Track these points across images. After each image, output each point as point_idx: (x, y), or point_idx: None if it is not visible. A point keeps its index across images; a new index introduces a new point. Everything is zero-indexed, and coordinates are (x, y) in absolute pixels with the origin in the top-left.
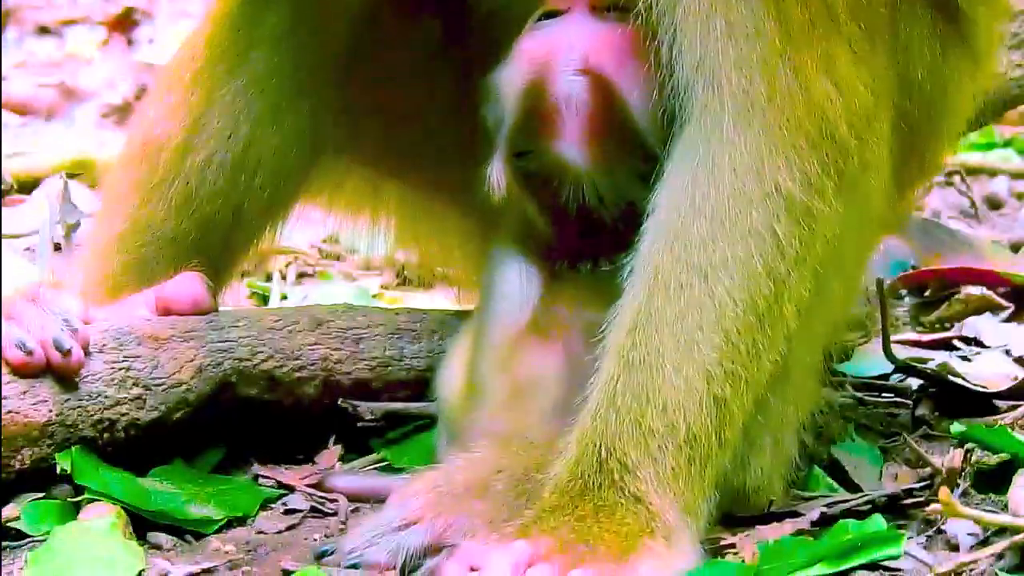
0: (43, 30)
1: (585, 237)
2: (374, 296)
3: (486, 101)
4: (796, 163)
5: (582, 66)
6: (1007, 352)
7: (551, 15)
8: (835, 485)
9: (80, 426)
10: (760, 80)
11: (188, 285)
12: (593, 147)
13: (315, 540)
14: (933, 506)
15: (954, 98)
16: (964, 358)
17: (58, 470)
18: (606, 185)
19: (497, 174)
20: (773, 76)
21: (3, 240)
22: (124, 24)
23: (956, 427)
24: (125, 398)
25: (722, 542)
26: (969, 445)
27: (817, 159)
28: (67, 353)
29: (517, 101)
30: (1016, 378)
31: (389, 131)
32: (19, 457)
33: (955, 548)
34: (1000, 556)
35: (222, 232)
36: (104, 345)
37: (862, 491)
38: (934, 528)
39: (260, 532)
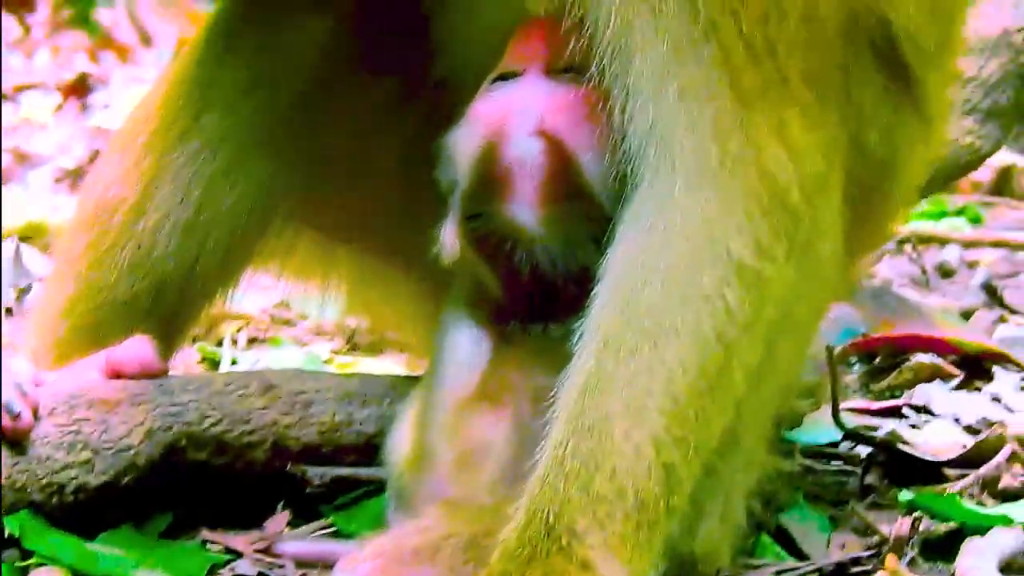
0: None
1: (538, 300)
2: (325, 361)
3: (439, 163)
4: (747, 228)
5: (536, 129)
6: (956, 420)
7: (505, 77)
8: (783, 553)
9: (29, 490)
10: (712, 144)
11: (138, 349)
12: (547, 210)
13: None
14: (881, 574)
15: (906, 163)
16: (913, 426)
17: (6, 534)
18: (559, 248)
19: (449, 236)
20: (725, 140)
21: None
22: (79, 90)
23: (905, 495)
24: (74, 462)
25: None
26: (917, 513)
27: (768, 224)
28: (16, 416)
29: (470, 163)
30: (965, 446)
31: (342, 195)
32: None
33: None
34: None
35: (173, 296)
36: (54, 408)
37: (810, 559)
38: None
39: None
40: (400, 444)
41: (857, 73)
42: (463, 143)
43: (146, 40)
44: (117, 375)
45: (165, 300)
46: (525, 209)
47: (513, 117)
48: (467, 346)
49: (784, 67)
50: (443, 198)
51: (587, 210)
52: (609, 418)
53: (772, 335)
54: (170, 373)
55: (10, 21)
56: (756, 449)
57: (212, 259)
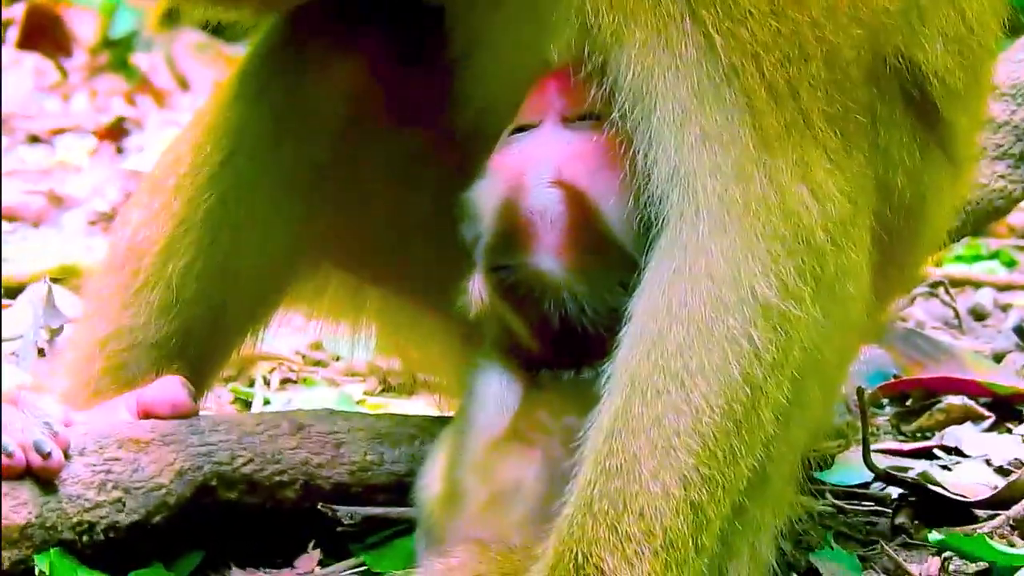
0: (34, 139)
1: (569, 346)
2: (358, 402)
3: (462, 218)
4: (772, 269)
5: (555, 178)
6: (987, 462)
7: (523, 129)
8: None
9: (60, 528)
10: (735, 187)
11: (168, 389)
12: (571, 258)
13: None
14: None
15: (934, 206)
16: (944, 467)
17: (37, 572)
18: (587, 295)
19: (477, 289)
20: (748, 183)
21: None
22: (114, 133)
23: (935, 536)
24: (105, 501)
25: None
26: (947, 554)
27: (794, 265)
28: (47, 456)
29: (493, 216)
30: (996, 487)
31: (371, 239)
32: None
33: None
34: None
35: (203, 337)
36: (85, 448)
37: None
38: None
39: None
40: (431, 484)
41: (884, 115)
42: (484, 197)
43: (183, 84)
44: (148, 415)
45: (195, 341)
46: (549, 259)
47: (532, 168)
48: (497, 388)
49: (807, 109)
50: (469, 251)
51: (612, 256)
52: (637, 458)
53: (800, 376)
54: (201, 413)
55: (47, 65)
56: (785, 489)
57: (242, 301)
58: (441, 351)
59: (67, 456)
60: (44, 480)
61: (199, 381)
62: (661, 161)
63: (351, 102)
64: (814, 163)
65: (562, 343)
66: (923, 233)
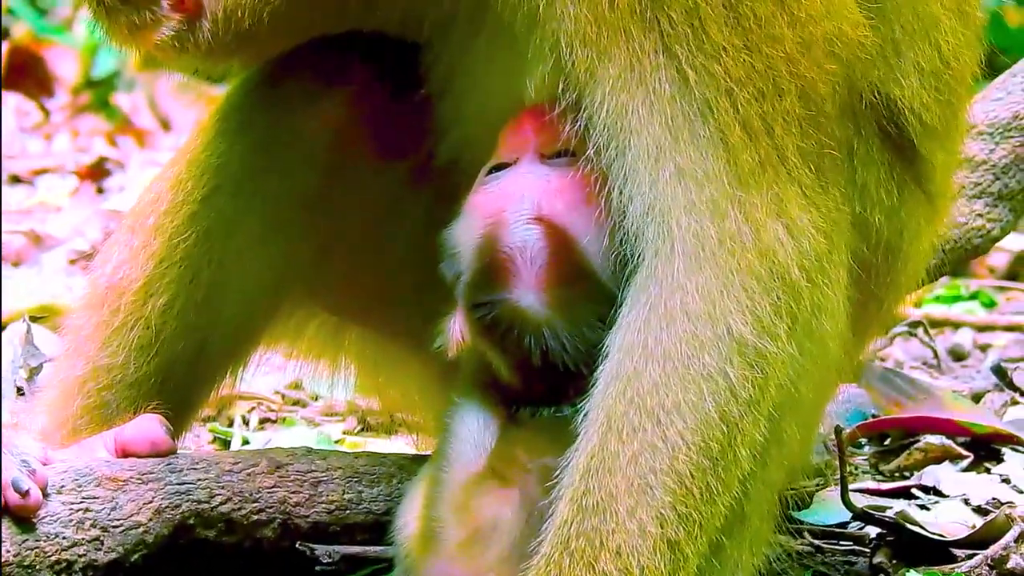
0: (15, 179)
1: (548, 383)
2: (336, 442)
3: (443, 257)
4: (748, 306)
5: (534, 215)
6: (965, 501)
7: (500, 167)
8: None
9: (37, 567)
10: (710, 223)
11: (147, 427)
12: (551, 294)
13: None
14: None
15: (912, 243)
16: (923, 507)
17: None
18: (567, 330)
19: (458, 327)
20: (723, 219)
21: None
22: (95, 173)
23: (913, 575)
24: (83, 539)
25: None
26: None
27: (769, 302)
28: (25, 494)
29: (473, 254)
30: (974, 527)
31: (351, 277)
32: None
33: None
34: None
35: (183, 375)
36: (63, 486)
37: None
38: None
39: None
40: (408, 523)
41: (862, 152)
42: (463, 235)
43: (165, 125)
44: (126, 454)
45: (174, 379)
46: (529, 295)
47: (510, 205)
48: (475, 426)
49: (781, 145)
50: (449, 290)
51: (591, 291)
52: (614, 496)
53: (777, 413)
54: (179, 452)
55: (29, 105)
56: (763, 527)
57: (222, 339)
58: (420, 390)
59: (45, 494)
60: (21, 518)
61: (178, 419)
62: (636, 197)
63: (334, 136)
64: (789, 199)
65: (542, 379)
66: (902, 270)
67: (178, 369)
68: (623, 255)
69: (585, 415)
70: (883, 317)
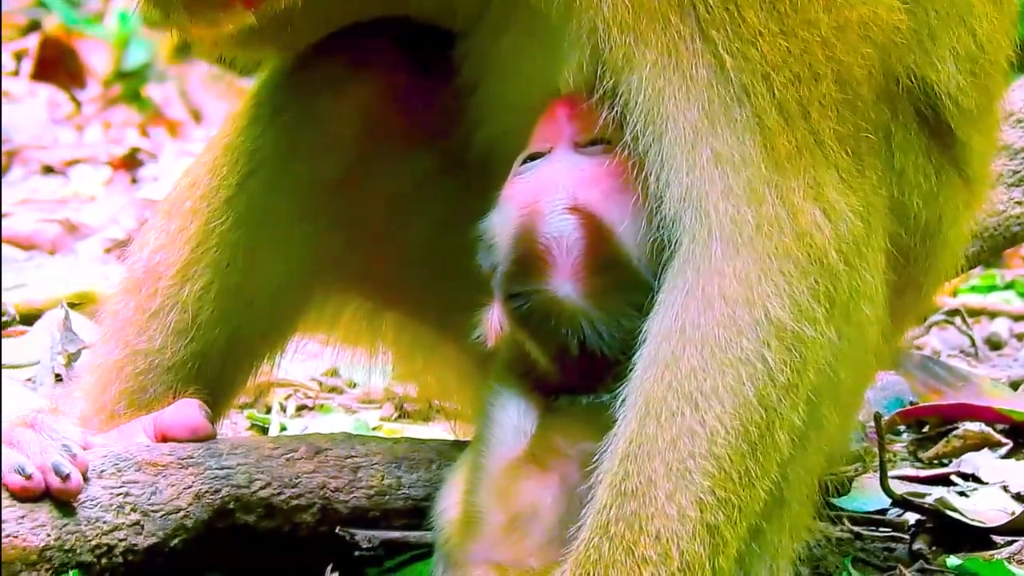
0: (48, 169)
1: (586, 371)
2: (373, 429)
3: (478, 248)
4: (786, 290)
5: (570, 204)
6: (1004, 488)
7: (535, 157)
8: None
9: (78, 551)
10: (747, 208)
11: (186, 412)
12: (588, 283)
13: None
14: None
15: (950, 228)
16: (962, 493)
17: None
18: (603, 319)
19: (495, 319)
20: (760, 204)
21: (5, 371)
22: (129, 163)
23: (953, 561)
24: (123, 524)
25: None
26: None
27: (807, 286)
28: (66, 478)
29: (509, 245)
30: (1013, 513)
31: (386, 261)
32: None
33: None
34: None
35: (220, 360)
36: (103, 471)
37: None
38: None
39: None
40: (448, 508)
41: (899, 137)
42: (499, 226)
43: (196, 116)
44: (165, 438)
45: (212, 364)
46: (566, 284)
47: (546, 195)
48: (514, 413)
49: (818, 129)
50: (485, 282)
51: (627, 279)
52: (652, 481)
53: (815, 397)
54: (218, 437)
55: (62, 97)
56: (802, 512)
57: (258, 323)
58: (457, 376)
59: (85, 479)
60: (62, 502)
61: (216, 405)
62: (673, 183)
63: (366, 121)
64: (826, 183)
65: (579, 368)
66: (940, 255)
67: (215, 354)
68: (660, 241)
69: (623, 400)
70: (922, 302)
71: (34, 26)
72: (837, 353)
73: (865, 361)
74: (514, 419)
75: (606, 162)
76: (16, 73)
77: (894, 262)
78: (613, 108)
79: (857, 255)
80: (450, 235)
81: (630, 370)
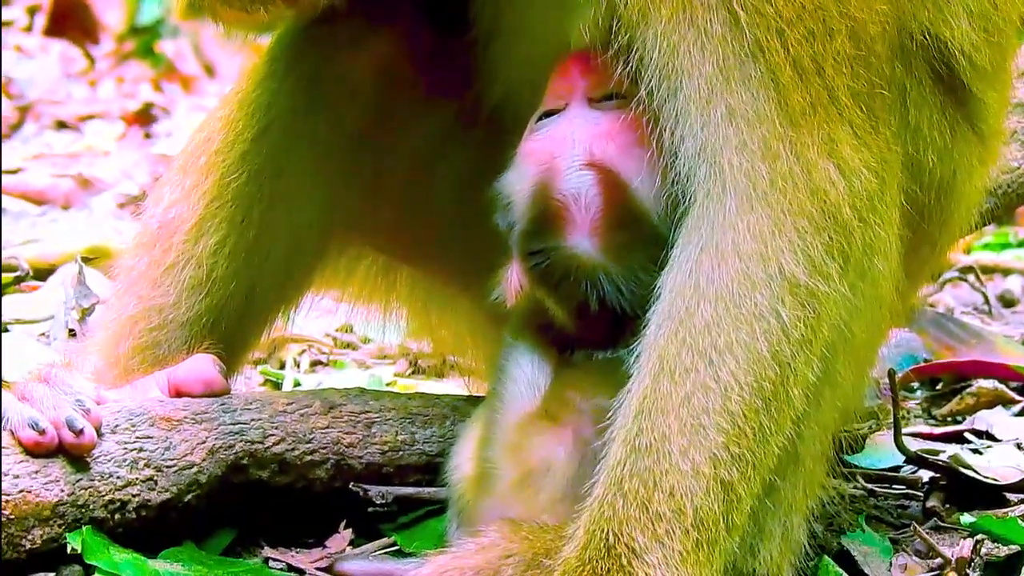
0: (61, 124)
1: (606, 326)
2: (387, 384)
3: (495, 208)
4: (800, 246)
5: (587, 160)
6: (1018, 445)
7: (550, 114)
8: (844, 575)
9: (91, 506)
10: (762, 164)
11: (200, 368)
12: (606, 239)
13: None
14: None
15: (965, 183)
16: (975, 451)
17: (68, 550)
18: (623, 274)
19: (515, 277)
20: (775, 160)
21: (19, 326)
22: (142, 119)
23: (967, 519)
24: (137, 479)
25: None
26: (979, 536)
27: (821, 242)
28: (79, 433)
29: (526, 202)
30: None
31: (401, 216)
32: (30, 537)
33: None
34: None
35: (234, 315)
36: (117, 426)
37: None
38: None
39: None
40: (462, 465)
41: (915, 94)
42: (516, 184)
43: (209, 71)
44: (179, 393)
45: (226, 319)
46: (584, 240)
47: (562, 152)
48: (529, 368)
49: (832, 86)
50: (503, 241)
51: (645, 234)
52: (667, 437)
53: (829, 353)
54: (232, 392)
55: (75, 52)
56: (816, 469)
57: (272, 279)
58: (471, 330)
59: (99, 434)
60: (76, 458)
61: (230, 360)
62: (687, 139)
63: (384, 75)
64: (840, 139)
65: (598, 323)
66: (955, 211)
67: (229, 309)
68: (674, 196)
69: (637, 356)
70: (937, 259)
71: None
72: (851, 309)
73: (879, 317)
74: (528, 374)
75: (621, 117)
76: (29, 28)
77: (909, 219)
78: (627, 63)
79: (871, 211)
80: (467, 191)
81: (644, 326)
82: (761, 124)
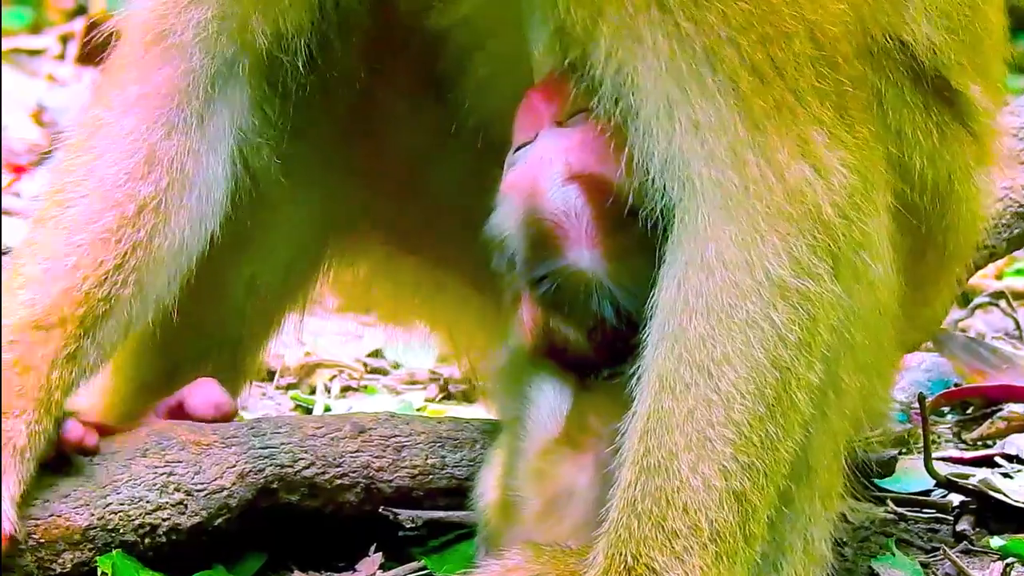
0: None
1: (624, 341)
2: (418, 410)
3: (492, 251)
4: (783, 248)
5: (567, 175)
6: None
7: (522, 147)
8: None
9: (121, 530)
10: (732, 172)
11: (207, 392)
12: (605, 246)
13: None
14: None
15: (962, 184)
16: (1006, 475)
17: (99, 574)
18: (629, 279)
19: (527, 314)
20: (744, 166)
21: None
22: None
23: (996, 542)
24: (167, 503)
25: None
26: (1010, 560)
27: (805, 243)
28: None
29: (519, 232)
30: None
31: (400, 207)
32: (60, 561)
33: None
34: None
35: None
36: (147, 450)
37: None
38: None
39: None
40: (488, 490)
41: (891, 96)
42: (505, 218)
43: None
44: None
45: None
46: (584, 252)
47: (542, 173)
48: (551, 394)
49: (796, 87)
50: (509, 282)
51: (641, 234)
52: (674, 454)
53: (831, 355)
54: (262, 415)
55: None
56: (832, 480)
57: (271, 277)
58: (478, 323)
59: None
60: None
61: (235, 374)
62: (655, 154)
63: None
64: (811, 140)
65: (617, 339)
66: (957, 213)
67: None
68: (654, 212)
69: (638, 378)
70: (949, 268)
71: (80, 10)
72: (848, 311)
73: (881, 323)
74: (550, 401)
75: (590, 126)
76: (62, 57)
77: (905, 222)
78: (584, 80)
79: (853, 208)
80: (466, 178)
81: (642, 346)
82: (726, 132)
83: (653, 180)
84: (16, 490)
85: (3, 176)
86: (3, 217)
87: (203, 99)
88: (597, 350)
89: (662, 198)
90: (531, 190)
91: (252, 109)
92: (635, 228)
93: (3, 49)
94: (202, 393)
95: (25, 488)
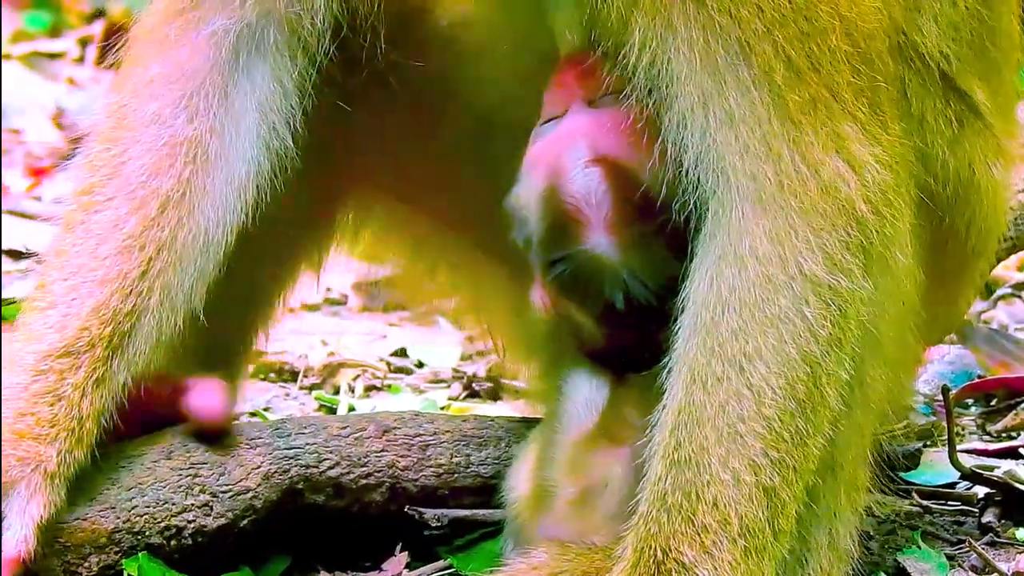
0: None
1: (638, 330)
2: (442, 408)
3: (509, 226)
4: (817, 243)
5: (591, 158)
6: None
7: (550, 120)
8: None
9: (147, 533)
10: (766, 165)
11: (210, 395)
12: (623, 234)
13: None
14: None
15: (983, 175)
16: None
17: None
18: (645, 270)
19: (539, 295)
20: (779, 160)
21: None
22: None
23: (1022, 534)
24: (192, 505)
25: None
26: None
27: (838, 239)
28: None
29: (539, 211)
30: None
31: (411, 165)
32: (86, 564)
33: None
34: None
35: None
36: (172, 452)
37: None
38: None
39: None
40: (518, 485)
41: (915, 84)
42: (526, 195)
43: None
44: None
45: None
46: (602, 238)
47: (567, 153)
48: (587, 388)
49: (832, 83)
50: (524, 257)
51: (661, 224)
52: (705, 448)
53: (859, 352)
54: (287, 415)
55: None
56: (857, 474)
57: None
58: (491, 290)
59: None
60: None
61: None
62: (689, 146)
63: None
64: (846, 135)
65: (629, 328)
66: (979, 204)
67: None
68: (688, 205)
69: (669, 371)
70: (973, 261)
71: (99, 13)
72: (876, 306)
73: (902, 313)
74: (587, 394)
75: (622, 111)
76: (81, 60)
77: (928, 213)
78: (618, 66)
79: (886, 204)
80: (477, 138)
81: (673, 339)
82: (761, 126)
83: (687, 172)
84: (43, 513)
85: (24, 180)
86: (24, 221)
87: (227, 71)
88: (610, 339)
89: (695, 191)
90: (554, 168)
91: (275, 80)
92: (658, 219)
93: (23, 52)
94: (205, 395)
95: (54, 512)
